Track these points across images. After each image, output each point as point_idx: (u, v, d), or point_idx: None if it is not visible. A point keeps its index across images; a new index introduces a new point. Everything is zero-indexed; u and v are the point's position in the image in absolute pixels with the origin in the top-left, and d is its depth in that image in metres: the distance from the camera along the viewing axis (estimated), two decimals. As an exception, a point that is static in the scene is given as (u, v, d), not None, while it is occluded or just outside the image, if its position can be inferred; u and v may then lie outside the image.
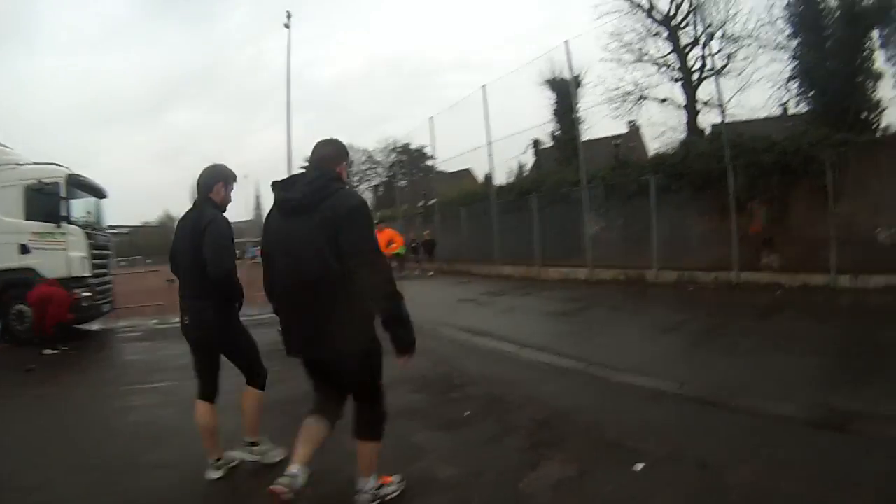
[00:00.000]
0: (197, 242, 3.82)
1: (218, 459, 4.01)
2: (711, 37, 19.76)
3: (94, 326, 13.62)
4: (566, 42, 16.69)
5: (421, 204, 30.26)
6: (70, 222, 11.85)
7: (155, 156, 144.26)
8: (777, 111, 19.31)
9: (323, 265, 2.93)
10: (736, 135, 13.43)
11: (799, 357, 6.39)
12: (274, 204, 3.26)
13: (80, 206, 13.12)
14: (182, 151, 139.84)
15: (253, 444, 4.17)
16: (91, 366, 9.27)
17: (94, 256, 12.52)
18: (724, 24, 19.48)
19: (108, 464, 4.43)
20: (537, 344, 7.91)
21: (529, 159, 27.81)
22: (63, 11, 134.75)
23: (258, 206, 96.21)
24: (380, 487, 3.41)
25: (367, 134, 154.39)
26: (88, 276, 12.02)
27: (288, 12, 24.40)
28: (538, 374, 6.51)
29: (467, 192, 25.19)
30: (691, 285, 12.51)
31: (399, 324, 2.98)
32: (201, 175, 4.13)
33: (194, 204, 4.09)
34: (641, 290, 12.96)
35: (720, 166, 12.82)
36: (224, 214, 4.08)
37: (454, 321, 10.26)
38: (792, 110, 18.39)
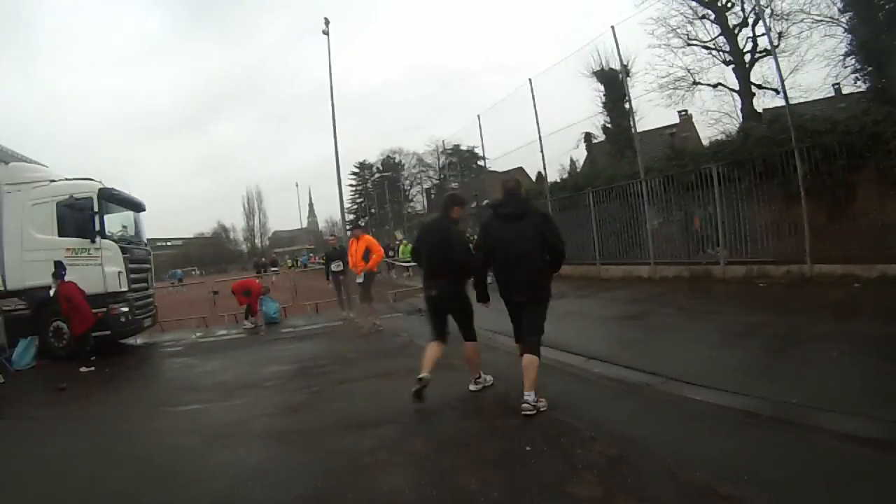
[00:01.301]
0: (446, 245, 5.89)
1: (421, 378, 5.57)
2: (760, 15, 18.84)
3: (137, 341, 13.47)
4: (612, 27, 15.46)
5: (474, 205, 29.67)
6: (104, 237, 11.67)
7: (201, 168, 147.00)
8: (830, 92, 18.41)
9: (536, 245, 5.37)
10: (795, 117, 12.43)
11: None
12: (493, 215, 5.83)
13: (117, 221, 13.01)
14: (228, 162, 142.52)
15: (478, 378, 6.13)
16: (123, 384, 8.95)
17: (132, 270, 12.38)
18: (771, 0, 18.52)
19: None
20: (603, 354, 7.07)
21: (581, 155, 27.11)
22: (99, 33, 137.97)
23: (312, 213, 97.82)
24: (537, 401, 5.08)
25: (411, 138, 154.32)
26: (126, 291, 11.83)
27: (326, 19, 24.31)
28: (607, 393, 5.74)
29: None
30: (762, 280, 11.46)
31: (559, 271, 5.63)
32: (443, 201, 6.65)
33: (439, 218, 6.29)
34: (708, 288, 11.90)
35: (782, 151, 11.83)
36: (460, 227, 6.35)
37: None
38: (848, 89, 17.44)
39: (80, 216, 11.50)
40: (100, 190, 11.85)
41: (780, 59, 17.39)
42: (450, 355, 6.44)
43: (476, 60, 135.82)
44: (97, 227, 11.56)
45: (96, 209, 11.61)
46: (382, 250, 10.83)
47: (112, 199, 12.43)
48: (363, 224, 10.55)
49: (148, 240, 14.84)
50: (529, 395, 5.02)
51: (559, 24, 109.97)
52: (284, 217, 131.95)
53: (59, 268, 10.37)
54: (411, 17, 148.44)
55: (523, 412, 4.93)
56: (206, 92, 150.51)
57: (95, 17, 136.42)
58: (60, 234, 11.48)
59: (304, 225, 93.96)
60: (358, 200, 78.87)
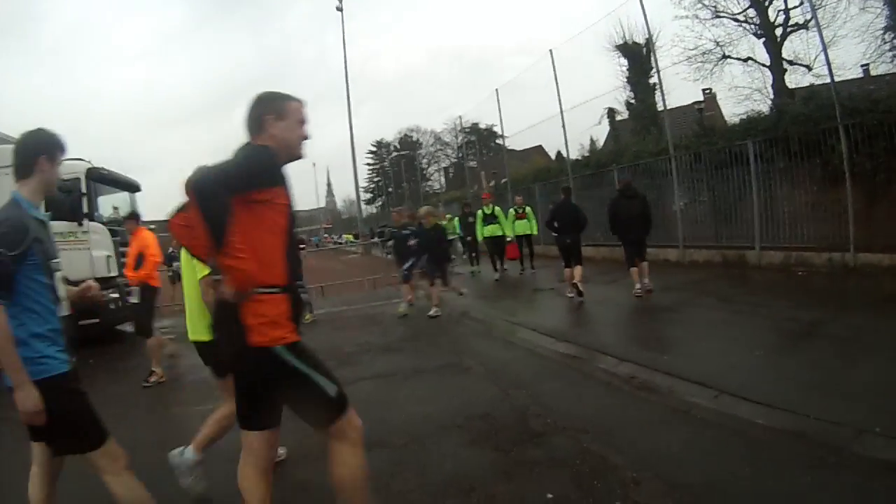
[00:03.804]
0: (575, 214, 10.28)
1: (572, 296, 10.01)
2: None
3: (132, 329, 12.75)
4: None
5: (492, 183, 28.79)
6: (92, 219, 10.99)
7: (224, 153, 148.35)
8: (859, 73, 17.45)
9: (641, 212, 9.96)
10: (835, 94, 11.43)
11: None
12: (619, 196, 10.25)
13: (112, 202, 12.62)
14: None
15: (575, 285, 9.88)
16: (103, 379, 8.09)
17: (125, 254, 11.51)
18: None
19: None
20: (641, 358, 5.99)
21: (601, 133, 26.26)
22: (123, 25, 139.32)
23: (330, 192, 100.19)
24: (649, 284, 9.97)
25: (432, 120, 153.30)
26: (116, 276, 11.12)
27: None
28: (649, 412, 4.64)
29: (540, 168, 23.22)
30: (801, 268, 10.52)
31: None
32: (565, 190, 11.03)
33: (566, 199, 10.67)
34: (745, 275, 10.95)
35: (822, 129, 10.91)
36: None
37: (527, 319, 8.65)
38: (884, 67, 16.42)
39: (67, 198, 10.66)
40: (88, 170, 11.12)
41: (813, 35, 16.54)
42: (465, 353, 5.50)
43: (498, 40, 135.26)
44: (85, 209, 10.87)
45: (84, 190, 10.91)
46: (160, 255, 8.21)
47: (102, 179, 11.69)
48: (136, 214, 7.40)
49: (162, 221, 14.26)
50: (644, 282, 9.83)
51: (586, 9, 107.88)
52: (303, 197, 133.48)
53: None
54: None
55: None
56: (229, 79, 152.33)
57: (117, 11, 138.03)
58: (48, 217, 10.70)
59: (323, 205, 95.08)
60: (375, 179, 78.22)
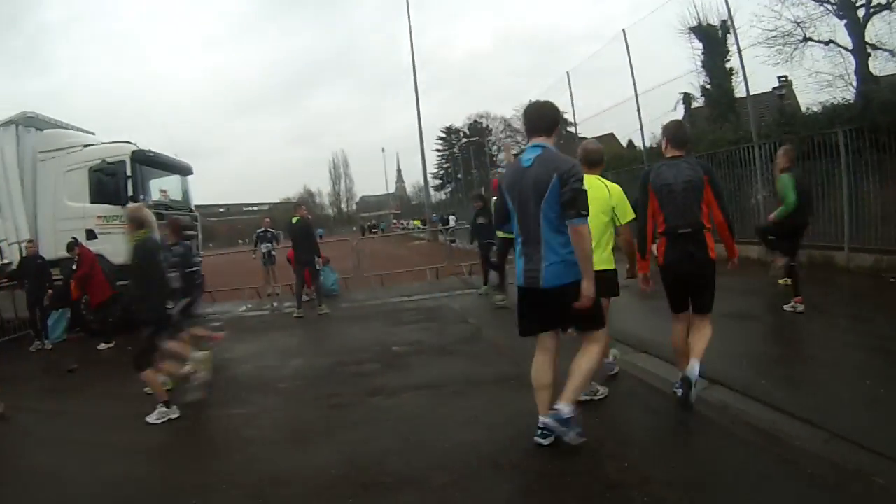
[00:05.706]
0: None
1: None
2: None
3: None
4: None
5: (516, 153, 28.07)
6: (136, 203, 10.52)
7: (295, 137, 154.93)
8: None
9: None
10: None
11: None
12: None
13: (163, 185, 12.64)
14: (322, 132, 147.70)
15: None
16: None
17: None
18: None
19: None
20: (728, 378, 4.85)
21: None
22: (195, 14, 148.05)
23: (400, 178, 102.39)
24: None
25: (503, 105, 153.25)
26: None
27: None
28: (750, 457, 3.52)
29: (613, 154, 21.95)
30: (893, 275, 9.15)
31: None
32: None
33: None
34: (831, 279, 9.69)
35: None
36: None
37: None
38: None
39: (112, 181, 10.81)
40: (133, 153, 11.10)
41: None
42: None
43: (565, 25, 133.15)
44: (129, 192, 10.85)
45: (129, 173, 10.91)
46: None
47: (149, 162, 11.61)
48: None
49: (233, 205, 14.42)
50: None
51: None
52: (373, 183, 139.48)
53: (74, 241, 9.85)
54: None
55: None
56: (301, 68, 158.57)
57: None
58: (93, 201, 10.88)
59: (393, 190, 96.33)
60: (445, 165, 78.97)
